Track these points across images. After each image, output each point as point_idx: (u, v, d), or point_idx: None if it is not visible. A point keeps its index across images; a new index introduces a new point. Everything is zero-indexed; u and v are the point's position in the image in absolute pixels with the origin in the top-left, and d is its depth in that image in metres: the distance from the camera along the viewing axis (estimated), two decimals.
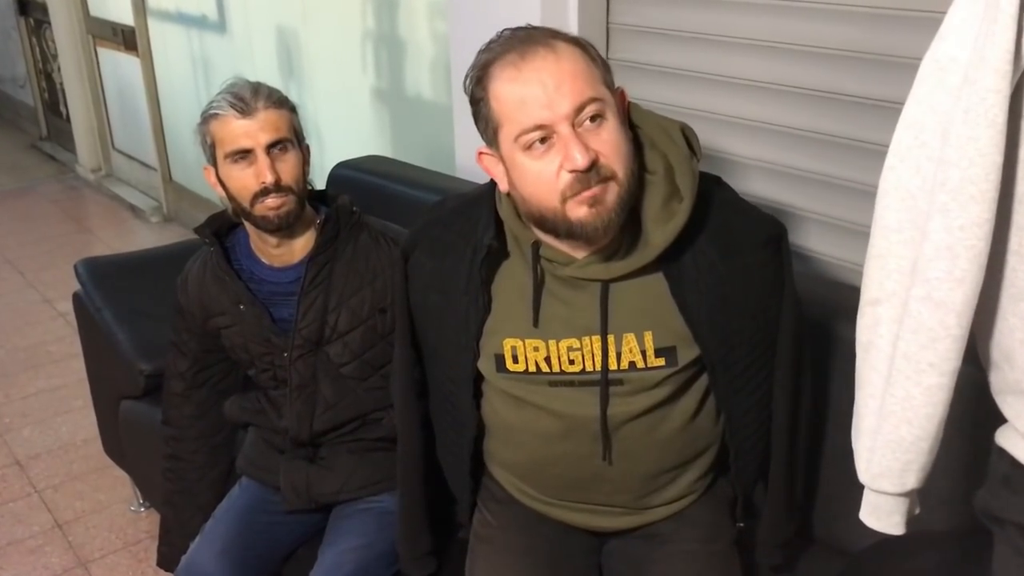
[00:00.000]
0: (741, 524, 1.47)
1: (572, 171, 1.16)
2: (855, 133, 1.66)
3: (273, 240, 1.62)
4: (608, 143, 1.17)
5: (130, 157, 5.27)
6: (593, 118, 1.16)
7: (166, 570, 1.88)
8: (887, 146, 1.57)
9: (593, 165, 1.16)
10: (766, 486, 1.47)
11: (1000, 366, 0.93)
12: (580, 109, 1.15)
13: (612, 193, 1.18)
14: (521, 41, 1.18)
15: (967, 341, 0.91)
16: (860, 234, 1.70)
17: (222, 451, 1.87)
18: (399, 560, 1.60)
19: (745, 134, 1.83)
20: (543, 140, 1.17)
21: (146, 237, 4.65)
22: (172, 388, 1.84)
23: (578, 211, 1.18)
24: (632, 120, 1.27)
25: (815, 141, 1.73)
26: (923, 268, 0.90)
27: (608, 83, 1.21)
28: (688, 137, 1.27)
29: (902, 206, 0.92)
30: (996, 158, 0.83)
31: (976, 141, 0.84)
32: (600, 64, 1.21)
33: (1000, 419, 0.97)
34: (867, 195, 1.65)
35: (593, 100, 1.16)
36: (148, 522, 2.53)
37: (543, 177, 1.18)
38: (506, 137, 1.20)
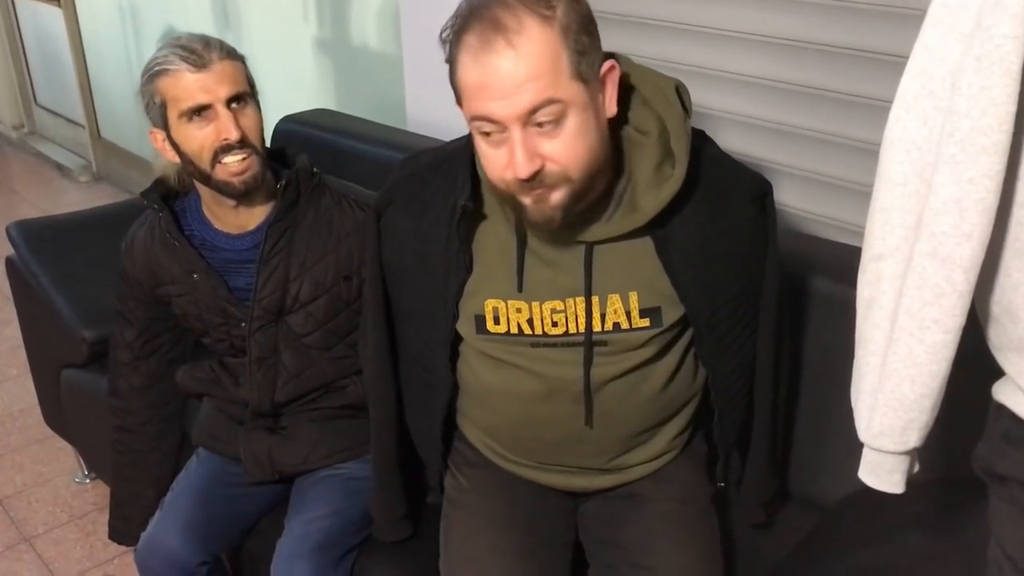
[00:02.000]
0: (722, 484, 1.45)
1: (513, 177, 1.12)
2: (834, 85, 1.63)
3: (231, 205, 1.53)
4: (562, 147, 1.11)
5: (54, 113, 5.04)
6: (543, 123, 1.09)
7: (120, 544, 1.81)
8: (868, 98, 1.58)
9: (537, 174, 1.11)
10: (745, 445, 1.46)
11: (1001, 322, 0.91)
12: (534, 111, 1.08)
13: (559, 194, 1.14)
14: (487, 22, 1.07)
15: None
16: (835, 188, 1.68)
17: (173, 421, 1.80)
18: (372, 525, 1.57)
19: (718, 86, 1.78)
20: (501, 131, 1.11)
21: (76, 197, 4.46)
22: (119, 358, 1.76)
23: (525, 199, 1.15)
24: (626, 76, 1.21)
25: (790, 93, 1.69)
26: (929, 222, 0.87)
27: (581, 71, 1.09)
28: (682, 95, 1.22)
29: (907, 158, 0.89)
30: (1010, 107, 0.80)
31: (989, 90, 0.80)
32: (573, 48, 1.08)
33: (993, 374, 0.96)
34: (844, 148, 1.66)
35: (550, 103, 1.07)
36: (95, 494, 2.44)
37: (494, 163, 1.14)
38: (466, 110, 1.14)
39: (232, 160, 1.44)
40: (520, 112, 1.07)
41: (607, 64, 1.13)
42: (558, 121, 1.09)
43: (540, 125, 1.09)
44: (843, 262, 1.52)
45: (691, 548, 1.36)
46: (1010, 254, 0.88)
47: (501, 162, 1.12)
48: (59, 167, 4.84)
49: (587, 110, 1.11)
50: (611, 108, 1.15)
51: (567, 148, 1.11)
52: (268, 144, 1.55)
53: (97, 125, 4.63)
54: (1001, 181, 0.83)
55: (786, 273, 1.45)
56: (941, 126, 0.85)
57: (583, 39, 1.09)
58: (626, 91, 1.21)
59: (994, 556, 0.95)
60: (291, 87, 3.05)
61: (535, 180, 1.11)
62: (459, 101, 1.15)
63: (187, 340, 1.77)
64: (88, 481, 2.49)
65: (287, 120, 2.45)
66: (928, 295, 0.88)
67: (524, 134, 1.09)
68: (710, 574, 1.36)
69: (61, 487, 2.49)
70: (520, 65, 1.06)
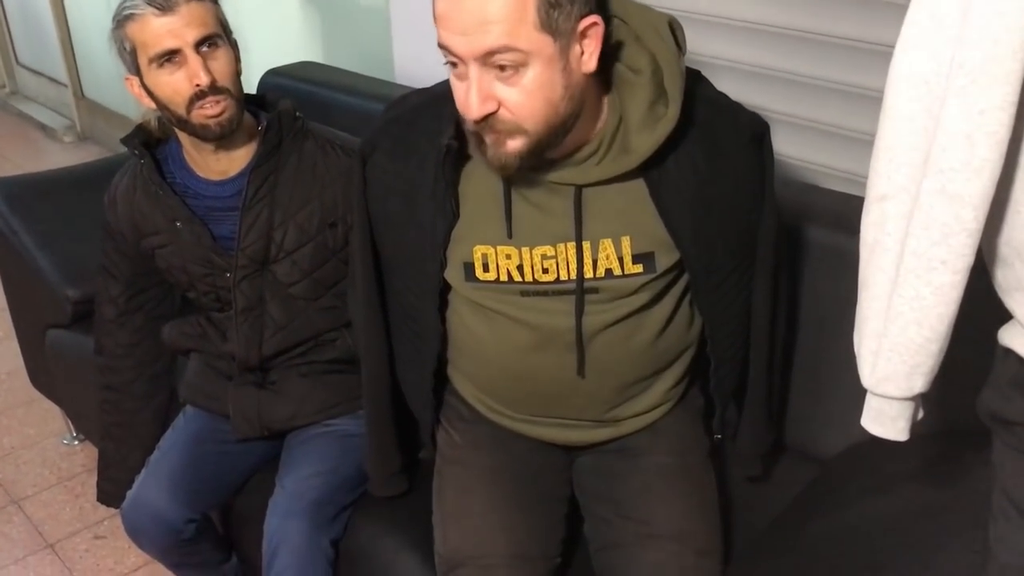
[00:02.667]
0: (719, 436, 1.43)
1: (464, 112, 1.09)
2: (832, 29, 1.58)
3: (211, 149, 1.49)
4: (518, 97, 1.07)
5: (37, 73, 4.95)
6: (505, 67, 1.05)
7: (108, 506, 1.79)
8: (868, 43, 1.53)
9: (488, 117, 1.08)
10: (741, 397, 1.44)
11: (1010, 263, 0.88)
12: (491, 54, 1.04)
13: (515, 143, 1.11)
14: None
15: None
16: (834, 136, 1.65)
17: (162, 380, 1.76)
18: (367, 481, 1.54)
19: (711, 32, 1.74)
20: (460, 72, 1.08)
21: (60, 158, 4.38)
22: (104, 315, 1.72)
23: (485, 138, 1.12)
24: (614, 13, 1.16)
25: (786, 38, 1.65)
26: (937, 158, 0.83)
27: (551, 23, 1.04)
28: (675, 31, 1.17)
29: (914, 93, 0.85)
30: None
31: (1003, 16, 0.76)
32: (544, 3, 1.03)
33: (995, 320, 0.93)
34: (842, 95, 1.62)
35: (508, 50, 1.04)
36: (84, 455, 2.42)
37: (456, 96, 1.11)
38: (437, 39, 1.10)
39: (208, 108, 1.40)
40: (477, 51, 1.04)
41: (589, 19, 1.08)
42: (517, 69, 1.06)
43: (501, 68, 1.06)
44: (841, 211, 1.49)
45: (686, 501, 1.34)
46: (1020, 191, 0.85)
47: (460, 97, 1.10)
48: (43, 127, 4.76)
49: (552, 64, 1.07)
50: (589, 64, 1.10)
51: (523, 99, 1.07)
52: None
53: (80, 84, 4.54)
54: (1014, 113, 0.79)
55: (783, 223, 1.42)
56: (950, 58, 0.81)
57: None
58: (616, 29, 1.16)
59: (999, 505, 0.93)
60: (276, 40, 2.98)
61: (485, 123, 1.09)
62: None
63: (174, 297, 1.73)
64: (77, 443, 2.47)
65: (272, 73, 2.40)
66: (936, 234, 0.85)
67: (481, 73, 1.06)
68: (705, 527, 1.34)
69: (49, 449, 2.46)
70: (485, 4, 1.03)
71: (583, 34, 1.08)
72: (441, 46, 1.08)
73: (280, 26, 2.98)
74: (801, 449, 1.58)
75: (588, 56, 1.10)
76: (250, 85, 2.38)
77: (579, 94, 1.11)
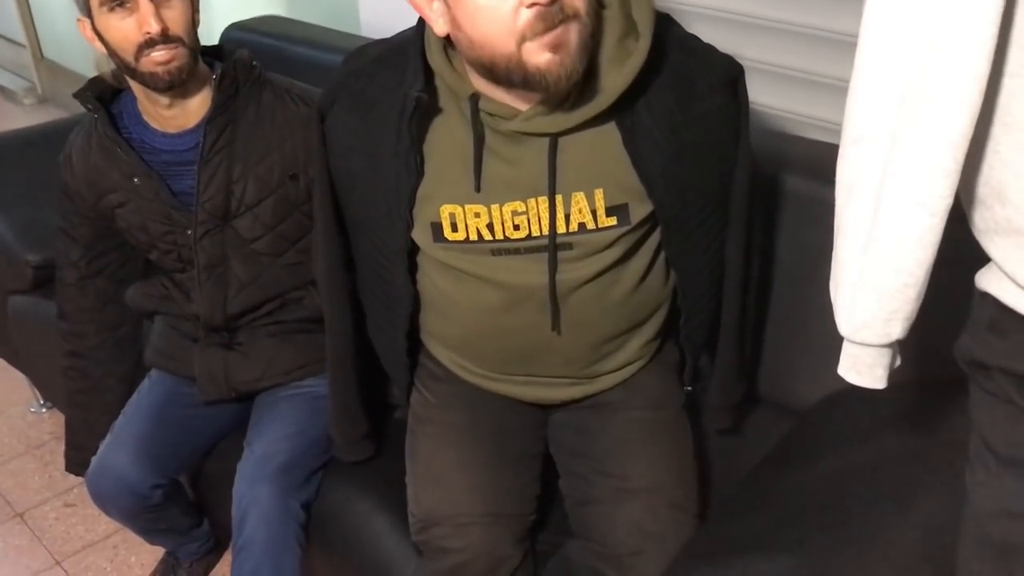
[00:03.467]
0: (689, 388, 1.42)
1: (533, 4, 1.00)
2: None
3: (164, 101, 1.44)
4: None
5: None
6: None
7: (75, 475, 1.75)
8: None
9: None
10: (713, 349, 1.42)
11: (988, 203, 0.86)
12: None
13: (574, 34, 1.04)
14: None
15: None
16: (809, 83, 1.61)
17: (127, 344, 1.72)
18: (332, 445, 1.51)
19: None
20: None
21: (21, 121, 4.27)
22: (65, 279, 1.67)
23: (538, 57, 1.04)
24: None
25: None
26: (914, 96, 0.80)
27: None
28: None
29: (890, 32, 0.81)
30: None
31: None
32: None
33: (976, 261, 0.91)
34: (818, 41, 1.58)
35: None
36: (52, 423, 2.38)
37: (497, 16, 1.02)
38: None
39: (157, 55, 1.35)
40: None
41: None
42: None
43: None
44: (817, 160, 1.46)
45: (662, 455, 1.32)
46: (999, 129, 0.82)
47: (508, 4, 1.01)
48: (2, 89, 4.63)
49: None
50: None
51: None
52: None
53: (39, 45, 4.42)
54: (993, 48, 0.76)
55: (758, 173, 1.39)
56: None
57: None
58: None
59: (976, 451, 0.91)
60: None
61: (555, 6, 1.01)
62: None
63: (136, 259, 1.68)
64: (44, 410, 2.43)
65: (235, 27, 2.34)
66: (913, 176, 0.82)
67: None
68: (682, 481, 1.33)
69: (16, 417, 2.42)
70: None
71: None
72: None
73: None
74: (777, 401, 1.57)
75: None
76: (211, 40, 2.34)
77: (596, 7, 1.07)
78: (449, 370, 1.40)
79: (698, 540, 1.25)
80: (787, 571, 1.05)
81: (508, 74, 1.06)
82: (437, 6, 1.09)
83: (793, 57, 1.61)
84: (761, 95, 1.68)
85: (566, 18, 1.03)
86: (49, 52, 4.38)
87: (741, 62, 1.66)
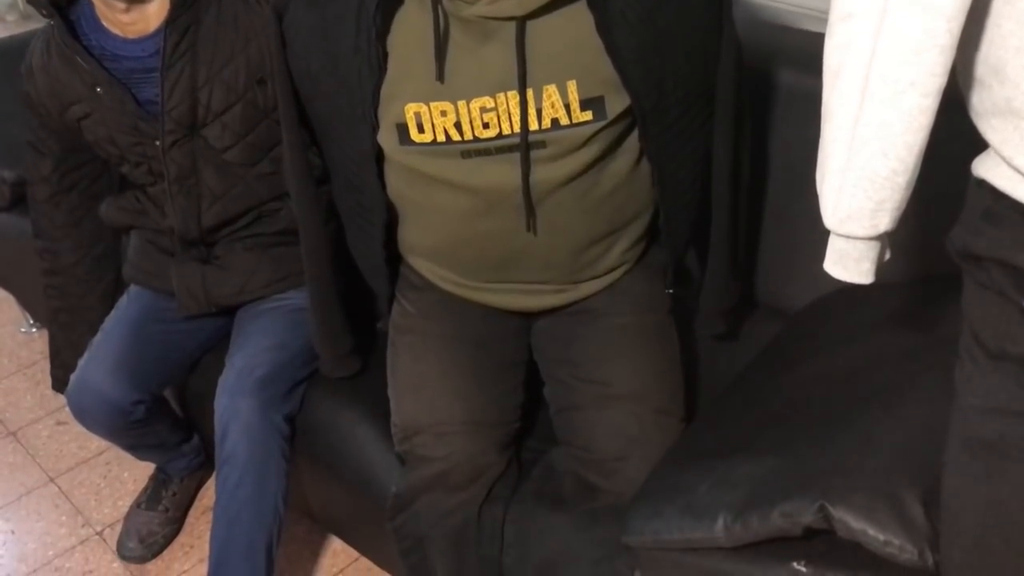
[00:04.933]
0: (671, 291, 1.37)
1: None
2: None
3: (120, 5, 1.36)
4: None
5: None
6: None
7: (62, 393, 1.73)
8: None
9: None
10: (700, 251, 1.38)
11: (986, 83, 0.80)
12: None
13: None
14: None
15: None
16: None
17: (106, 261, 1.69)
18: (317, 360, 1.49)
19: None
20: None
21: (3, 37, 4.17)
22: (37, 195, 1.62)
23: None
24: None
25: None
26: None
27: None
28: None
29: None
30: None
31: None
32: None
33: (973, 148, 0.86)
34: None
35: None
36: (42, 343, 2.36)
37: None
38: None
39: None
40: None
41: None
42: None
43: None
44: (811, 52, 1.37)
45: (646, 361, 1.30)
46: (1000, 1, 0.76)
47: None
48: None
49: None
50: None
51: None
52: None
53: None
54: None
55: (747, 66, 1.32)
56: None
57: None
58: None
59: (965, 343, 0.88)
60: None
61: None
62: None
63: (110, 174, 1.63)
64: (35, 330, 2.41)
65: None
66: (905, 52, 0.77)
67: None
68: (666, 386, 1.30)
69: (7, 337, 2.40)
70: None
71: None
72: None
73: None
74: (771, 304, 1.54)
75: None
76: None
77: None
78: (429, 280, 1.36)
79: (682, 444, 1.23)
80: (770, 471, 1.03)
81: None
82: None
83: None
84: None
85: None
86: None
87: None
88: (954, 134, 0.89)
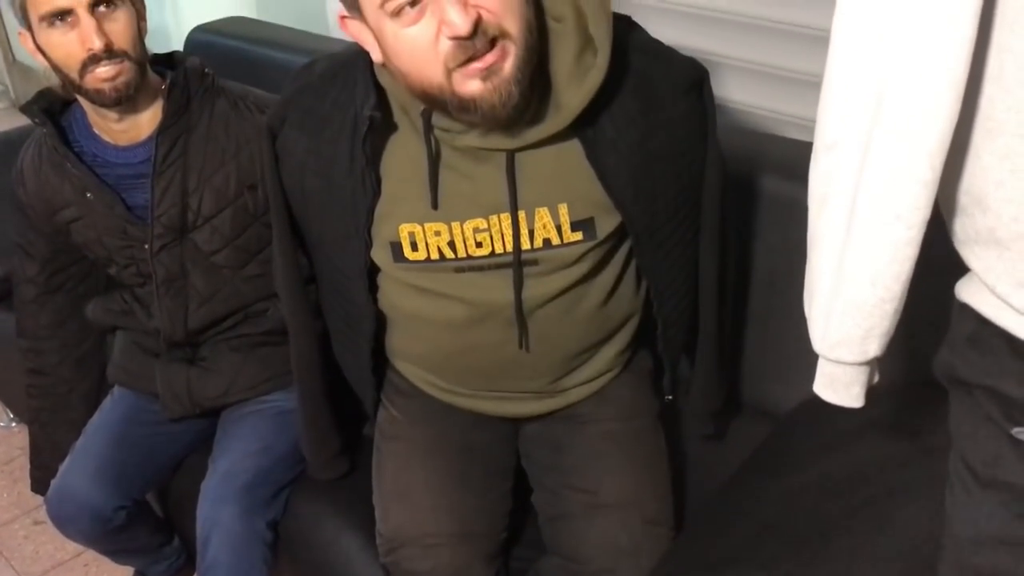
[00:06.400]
0: (670, 397, 1.38)
1: (453, 38, 0.95)
2: None
3: (113, 115, 1.38)
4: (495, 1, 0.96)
5: None
6: None
7: (42, 495, 1.70)
8: None
9: (476, 27, 0.95)
10: (691, 355, 1.38)
11: (969, 212, 0.82)
12: None
13: (508, 59, 0.98)
14: None
15: None
16: (782, 79, 1.57)
17: (90, 361, 1.67)
18: (302, 463, 1.47)
19: None
20: (413, 3, 0.95)
21: None
22: (23, 295, 1.62)
23: (468, 86, 0.98)
24: None
25: None
26: (890, 103, 0.76)
27: None
28: None
29: (863, 32, 0.77)
30: None
31: None
32: None
33: (958, 271, 0.87)
34: (790, 36, 1.54)
35: None
36: (21, 439, 2.31)
37: (419, 46, 0.97)
38: (369, 2, 0.98)
39: (102, 71, 1.30)
40: None
41: None
42: None
43: None
44: (793, 159, 1.41)
45: (635, 467, 1.29)
46: (980, 135, 0.78)
47: (429, 33, 0.96)
48: None
49: None
50: None
51: (501, 4, 0.96)
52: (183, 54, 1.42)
53: (10, 47, 4.34)
54: (971, 51, 0.72)
55: (731, 173, 1.35)
56: None
57: None
58: None
59: (955, 468, 0.87)
60: None
61: (477, 35, 0.95)
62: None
63: (96, 274, 1.63)
64: (14, 425, 2.37)
65: (200, 29, 2.28)
66: (889, 185, 0.78)
67: None
68: (656, 494, 1.29)
69: None
70: None
71: None
72: None
73: None
74: (756, 405, 1.54)
75: None
76: (179, 41, 2.28)
77: (535, 24, 1.02)
78: (416, 386, 1.35)
79: (671, 557, 1.22)
80: None
81: (443, 103, 1.02)
82: (369, 37, 1.03)
83: (767, 53, 1.57)
84: (735, 92, 1.65)
85: (491, 41, 0.97)
86: (21, 55, 4.31)
87: (715, 59, 1.63)
88: (940, 246, 0.89)
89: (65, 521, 1.51)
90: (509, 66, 0.99)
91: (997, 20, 0.73)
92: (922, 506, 1.07)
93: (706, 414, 1.44)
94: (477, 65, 0.97)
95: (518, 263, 1.15)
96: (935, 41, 0.72)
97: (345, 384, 1.42)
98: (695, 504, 1.37)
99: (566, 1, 1.06)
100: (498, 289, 1.17)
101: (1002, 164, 0.76)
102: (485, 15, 0.96)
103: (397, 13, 0.96)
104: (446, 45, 0.96)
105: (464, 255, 1.15)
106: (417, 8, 0.95)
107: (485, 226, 1.14)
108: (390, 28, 0.98)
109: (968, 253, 0.84)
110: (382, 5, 0.97)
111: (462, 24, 0.94)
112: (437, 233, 1.14)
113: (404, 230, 1.15)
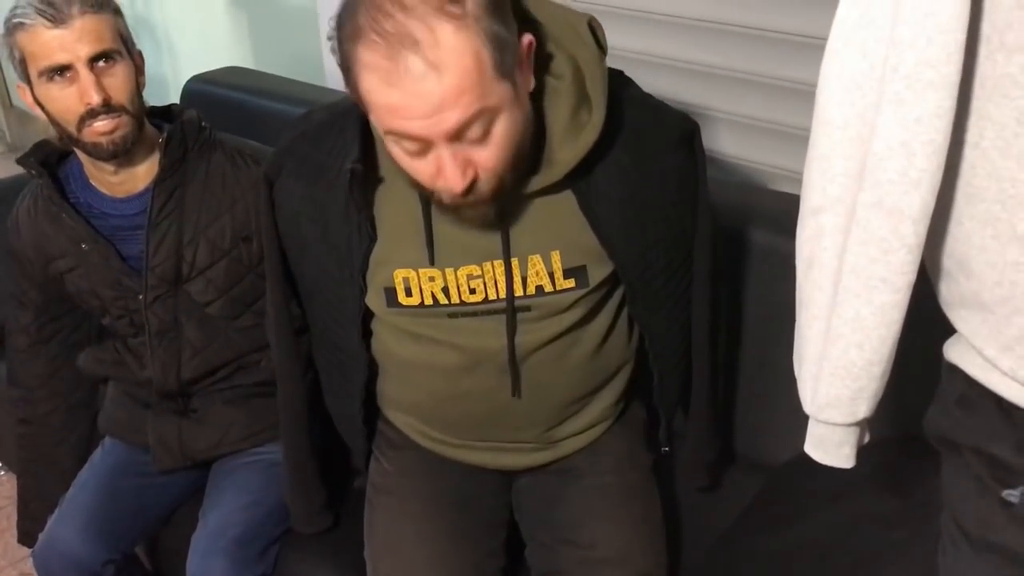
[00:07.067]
0: (666, 449, 1.38)
1: (448, 192, 1.01)
2: (768, 23, 1.52)
3: (110, 168, 1.40)
4: (495, 152, 0.99)
5: None
6: (476, 134, 0.97)
7: (28, 547, 1.68)
8: (806, 36, 1.48)
9: (472, 184, 1.00)
10: (684, 406, 1.39)
11: (953, 276, 0.83)
12: (464, 127, 0.95)
13: (489, 188, 1.03)
14: (392, 37, 0.90)
15: None
16: (773, 133, 1.59)
17: (81, 411, 1.67)
18: (290, 515, 1.46)
19: (638, 27, 1.68)
20: (420, 150, 0.98)
21: None
22: (15, 344, 1.62)
23: (452, 203, 1.04)
24: (531, 15, 1.08)
25: (719, 32, 1.59)
26: (873, 169, 0.78)
27: (504, 66, 0.95)
28: (595, 31, 1.09)
29: (846, 98, 0.79)
30: (959, 35, 0.71)
31: (935, 16, 0.71)
32: (492, 44, 0.93)
33: (947, 331, 0.88)
34: (780, 90, 1.56)
35: (481, 114, 0.95)
36: (9, 487, 2.29)
37: (421, 173, 1.02)
38: (378, 124, 1.00)
39: (99, 125, 1.31)
40: (449, 131, 0.95)
41: (525, 40, 1.00)
42: (488, 127, 0.97)
43: (474, 131, 0.97)
44: (783, 212, 1.43)
45: (629, 522, 1.28)
46: (962, 201, 0.79)
47: (429, 172, 1.00)
48: None
49: (515, 105, 0.99)
50: (530, 84, 1.03)
51: (499, 152, 1.00)
52: (179, 105, 1.44)
53: (8, 93, 4.37)
54: (951, 120, 0.74)
55: (722, 225, 1.36)
56: (884, 59, 0.76)
57: (497, 27, 0.93)
58: (533, 29, 1.06)
59: (947, 529, 0.88)
60: (203, 44, 2.88)
61: (470, 191, 1.01)
62: (366, 110, 1.01)
63: (89, 324, 1.63)
64: (3, 474, 2.35)
65: (196, 80, 2.30)
66: (874, 251, 0.79)
67: (453, 149, 0.97)
68: (650, 548, 1.29)
69: None
70: (443, 83, 0.91)
71: (522, 57, 1.00)
72: (394, 133, 0.97)
73: (206, 29, 2.87)
74: (750, 457, 1.54)
75: (527, 77, 1.02)
76: (176, 92, 2.30)
77: (531, 118, 1.05)
78: (408, 437, 1.35)
79: None
80: None
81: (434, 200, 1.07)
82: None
83: (758, 107, 1.59)
84: (727, 145, 1.66)
85: (481, 191, 1.02)
86: (19, 100, 4.34)
87: (707, 112, 1.65)
88: (933, 300, 0.90)
89: (52, 575, 1.49)
90: (487, 191, 1.03)
91: (976, 90, 0.75)
92: (914, 561, 1.06)
93: (701, 465, 1.44)
94: (466, 200, 1.03)
95: (511, 309, 1.16)
96: (916, 110, 0.73)
97: (335, 436, 1.42)
98: (689, 558, 1.36)
99: (564, 59, 1.08)
100: (491, 335, 1.18)
101: (984, 230, 0.77)
102: (483, 174, 1.01)
103: (401, 146, 1.00)
104: (443, 184, 1.01)
105: (458, 301, 1.17)
106: (421, 149, 0.98)
107: (479, 273, 1.15)
108: (395, 150, 1.01)
109: (955, 316, 0.85)
110: (387, 133, 0.99)
111: (459, 185, 0.99)
112: (431, 279, 1.16)
113: (399, 275, 1.16)
